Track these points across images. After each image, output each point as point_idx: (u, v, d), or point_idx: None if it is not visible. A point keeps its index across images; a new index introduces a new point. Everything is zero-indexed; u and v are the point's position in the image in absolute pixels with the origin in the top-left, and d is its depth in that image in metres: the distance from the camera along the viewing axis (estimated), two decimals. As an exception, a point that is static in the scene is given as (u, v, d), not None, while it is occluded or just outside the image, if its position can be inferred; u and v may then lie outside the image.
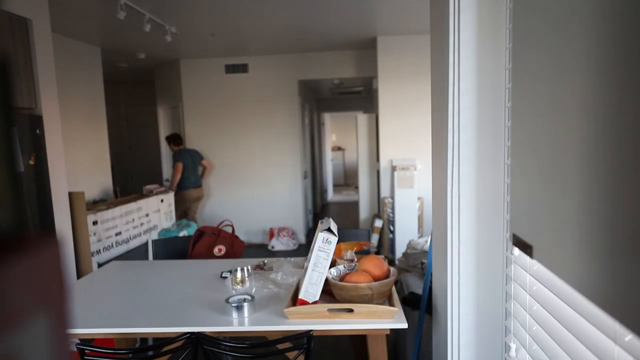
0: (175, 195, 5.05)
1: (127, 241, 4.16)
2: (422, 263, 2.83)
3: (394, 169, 4.70)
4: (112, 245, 3.94)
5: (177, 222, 5.04)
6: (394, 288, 1.66)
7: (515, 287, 1.16)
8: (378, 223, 4.92)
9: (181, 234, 4.65)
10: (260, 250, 5.41)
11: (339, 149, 11.96)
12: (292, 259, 2.21)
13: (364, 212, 5.42)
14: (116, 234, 4.01)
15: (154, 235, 4.59)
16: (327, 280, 1.54)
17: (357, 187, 6.13)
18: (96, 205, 4.21)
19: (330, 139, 11.19)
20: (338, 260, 1.78)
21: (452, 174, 1.28)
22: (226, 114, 5.55)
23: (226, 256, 3.26)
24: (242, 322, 1.52)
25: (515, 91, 1.06)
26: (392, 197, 4.73)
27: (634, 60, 0.56)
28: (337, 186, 11.34)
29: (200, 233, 3.34)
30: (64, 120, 4.13)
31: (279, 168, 5.60)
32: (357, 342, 2.21)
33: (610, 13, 0.62)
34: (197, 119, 5.58)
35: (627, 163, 0.58)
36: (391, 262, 4.38)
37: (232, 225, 3.62)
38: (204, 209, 5.63)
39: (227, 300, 1.57)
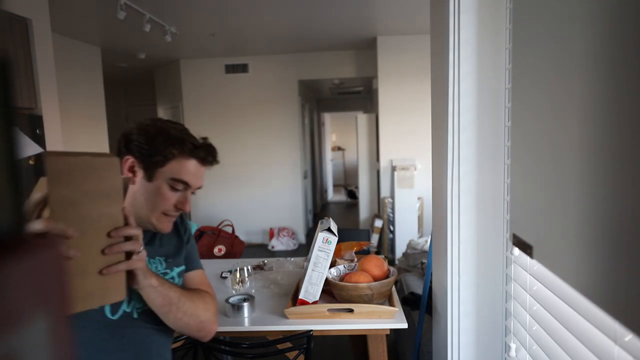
0: None
1: (127, 241, 4.15)
2: (422, 263, 2.84)
3: (394, 169, 4.70)
4: (112, 245, 3.93)
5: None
6: (394, 288, 1.66)
7: (515, 287, 1.16)
8: (378, 223, 4.92)
9: (181, 234, 4.64)
10: (260, 250, 5.41)
11: (339, 149, 11.96)
12: (292, 259, 2.21)
13: (364, 212, 5.42)
14: (116, 234, 4.00)
15: (154, 235, 4.58)
16: (327, 280, 1.54)
17: (356, 187, 6.13)
18: (96, 205, 4.20)
19: (330, 139, 11.19)
20: (338, 260, 1.78)
21: (452, 174, 1.28)
22: (226, 114, 5.55)
23: (226, 256, 3.26)
24: (242, 322, 1.52)
25: (515, 91, 1.06)
26: (392, 197, 4.73)
27: (634, 60, 0.56)
28: (337, 186, 11.34)
29: (200, 233, 3.34)
30: (64, 120, 4.12)
31: (279, 168, 5.60)
32: (357, 342, 2.20)
33: (609, 13, 0.62)
34: (197, 119, 5.58)
35: (626, 163, 0.58)
36: (391, 262, 4.38)
37: (232, 225, 3.62)
38: (204, 209, 5.64)
39: (227, 300, 1.57)
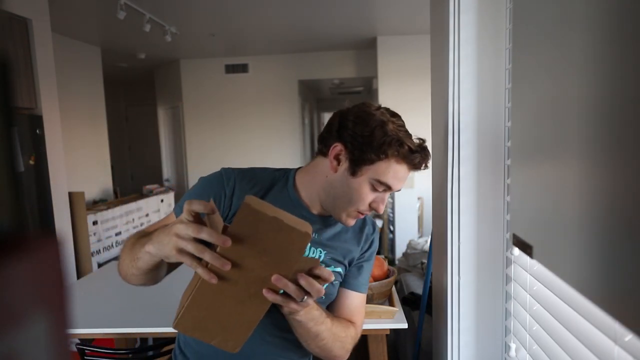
0: None
1: (127, 241, 4.16)
2: (422, 263, 2.83)
3: (394, 169, 4.69)
4: (112, 245, 3.94)
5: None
6: (394, 288, 1.66)
7: (515, 287, 1.16)
8: (378, 223, 4.92)
9: (181, 234, 4.64)
10: (260, 250, 5.40)
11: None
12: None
13: (364, 212, 5.40)
14: (116, 234, 4.01)
15: (154, 235, 4.59)
16: (327, 280, 1.54)
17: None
18: (96, 205, 4.21)
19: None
20: (338, 260, 1.78)
21: (452, 174, 1.28)
22: (226, 114, 5.55)
23: (226, 256, 3.25)
24: (242, 322, 1.51)
25: (515, 91, 1.06)
26: (392, 197, 4.73)
27: (633, 60, 0.56)
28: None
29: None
30: (64, 120, 4.12)
31: (279, 168, 5.60)
32: (357, 342, 2.20)
33: (609, 13, 0.62)
34: (197, 119, 5.58)
35: (626, 163, 0.58)
36: (391, 262, 4.38)
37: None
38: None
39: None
